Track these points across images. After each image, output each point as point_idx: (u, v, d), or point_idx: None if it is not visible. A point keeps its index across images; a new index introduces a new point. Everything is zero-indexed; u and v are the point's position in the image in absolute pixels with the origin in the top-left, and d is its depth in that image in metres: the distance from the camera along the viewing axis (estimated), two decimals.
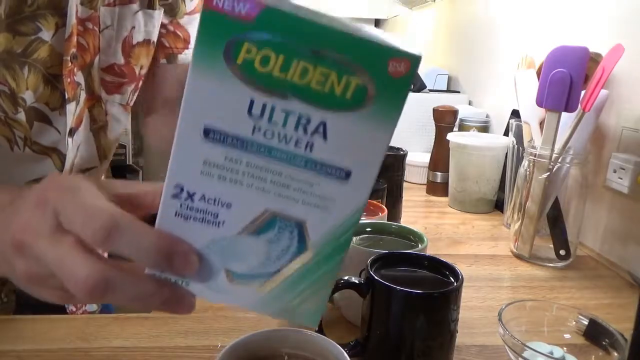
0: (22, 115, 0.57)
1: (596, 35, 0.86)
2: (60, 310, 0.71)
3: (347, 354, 0.37)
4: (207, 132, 0.26)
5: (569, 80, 0.72)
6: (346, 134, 0.26)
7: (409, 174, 1.20)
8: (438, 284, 0.48)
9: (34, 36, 0.55)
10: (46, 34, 0.55)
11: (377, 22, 2.76)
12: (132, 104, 0.71)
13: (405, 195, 0.93)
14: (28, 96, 0.57)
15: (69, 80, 0.59)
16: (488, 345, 0.55)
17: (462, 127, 1.21)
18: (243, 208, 0.28)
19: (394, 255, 0.52)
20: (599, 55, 0.76)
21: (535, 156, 0.78)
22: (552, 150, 0.76)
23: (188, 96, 0.25)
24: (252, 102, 0.25)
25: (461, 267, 0.50)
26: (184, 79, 0.25)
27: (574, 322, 0.53)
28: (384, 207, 0.73)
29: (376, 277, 0.46)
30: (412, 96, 1.34)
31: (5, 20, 0.52)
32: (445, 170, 1.10)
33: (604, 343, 0.49)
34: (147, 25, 0.67)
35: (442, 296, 0.46)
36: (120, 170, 2.51)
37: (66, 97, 0.59)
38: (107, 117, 0.68)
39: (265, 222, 0.28)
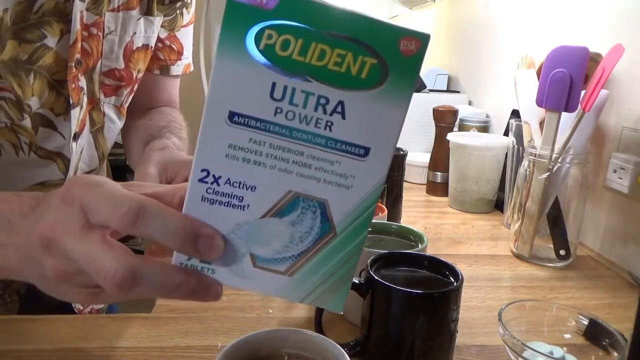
0: (27, 122, 0.57)
1: (596, 35, 0.86)
2: (67, 309, 0.71)
3: (347, 354, 0.37)
4: (231, 117, 0.27)
5: (569, 80, 0.72)
6: (363, 112, 0.27)
7: (409, 174, 1.20)
8: (438, 284, 0.48)
9: (39, 43, 0.55)
10: (51, 41, 0.56)
11: None
12: (126, 105, 0.71)
13: (405, 195, 0.93)
14: (33, 102, 0.57)
15: (73, 85, 0.59)
16: (488, 345, 0.55)
17: (462, 127, 1.21)
18: (267, 190, 0.29)
19: (394, 255, 0.52)
20: (599, 55, 0.76)
21: (535, 156, 0.78)
22: (552, 150, 0.76)
23: (213, 83, 0.27)
24: (274, 86, 0.27)
25: (461, 267, 0.50)
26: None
27: (574, 322, 0.53)
28: (384, 207, 0.73)
29: (376, 277, 0.46)
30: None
31: (11, 27, 0.52)
32: (445, 170, 1.10)
33: (604, 343, 0.49)
34: (147, 32, 0.68)
35: (442, 296, 0.46)
36: (120, 170, 2.49)
37: (71, 102, 0.60)
38: (104, 119, 0.69)
39: (289, 203, 0.29)
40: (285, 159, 0.28)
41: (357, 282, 0.48)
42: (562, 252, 0.77)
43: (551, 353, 0.49)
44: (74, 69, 0.59)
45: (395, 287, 0.45)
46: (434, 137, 1.14)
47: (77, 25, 0.57)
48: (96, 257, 0.29)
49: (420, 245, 0.58)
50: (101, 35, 0.62)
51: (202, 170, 0.28)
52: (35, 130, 0.59)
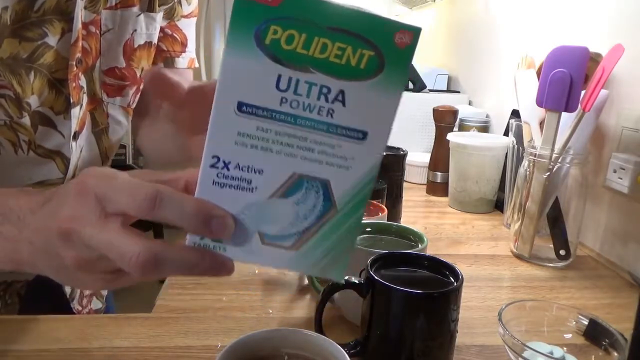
0: (26, 120, 0.57)
1: (596, 35, 0.86)
2: (66, 309, 0.71)
3: (347, 354, 0.38)
4: (240, 107, 0.29)
5: (569, 80, 0.72)
6: (362, 100, 0.30)
7: (409, 174, 1.20)
8: (438, 284, 0.48)
9: (40, 41, 0.55)
10: (52, 39, 0.56)
11: None
12: (133, 106, 0.71)
13: (405, 195, 0.93)
14: (33, 100, 0.57)
15: (74, 84, 0.59)
16: (488, 345, 0.55)
17: (462, 127, 1.21)
18: (273, 173, 0.31)
19: (394, 255, 0.52)
20: (599, 55, 0.76)
21: (535, 156, 0.78)
22: (552, 150, 0.76)
23: (223, 76, 0.29)
24: (279, 77, 0.29)
25: (461, 267, 0.50)
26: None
27: (574, 322, 0.53)
28: (384, 207, 0.73)
29: (376, 277, 0.46)
30: (412, 96, 1.34)
31: (10, 26, 0.52)
32: (445, 170, 1.10)
33: (604, 343, 0.49)
34: (149, 28, 0.67)
35: (442, 296, 0.46)
36: (120, 170, 2.49)
37: (71, 101, 0.60)
38: (108, 120, 0.68)
39: (294, 184, 0.31)
40: (290, 144, 0.30)
41: (357, 282, 0.48)
42: (562, 252, 0.77)
43: (551, 353, 0.49)
44: (75, 68, 0.58)
45: (395, 287, 0.45)
46: (434, 137, 1.14)
47: (79, 24, 0.57)
48: (117, 243, 0.30)
49: (420, 245, 0.58)
50: (99, 34, 0.61)
51: (213, 157, 0.30)
52: (35, 128, 0.58)
